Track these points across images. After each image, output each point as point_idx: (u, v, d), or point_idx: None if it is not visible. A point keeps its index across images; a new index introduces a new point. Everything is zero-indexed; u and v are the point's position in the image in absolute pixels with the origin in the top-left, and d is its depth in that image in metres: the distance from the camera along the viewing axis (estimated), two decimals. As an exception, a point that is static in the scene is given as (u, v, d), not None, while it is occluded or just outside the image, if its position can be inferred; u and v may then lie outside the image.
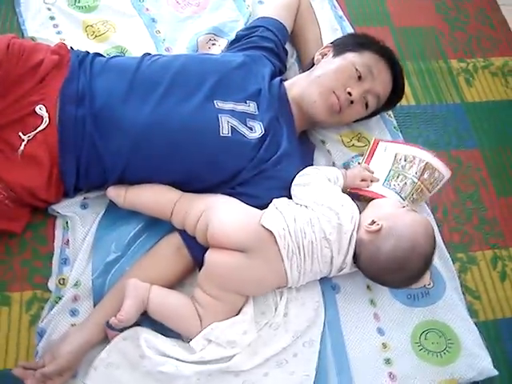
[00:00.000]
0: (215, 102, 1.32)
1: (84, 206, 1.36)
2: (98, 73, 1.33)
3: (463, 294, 1.38)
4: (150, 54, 1.42)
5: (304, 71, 1.53)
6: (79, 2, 1.68)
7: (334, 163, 1.49)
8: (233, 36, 1.64)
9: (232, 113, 1.32)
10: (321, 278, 1.30)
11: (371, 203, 1.32)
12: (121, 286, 1.23)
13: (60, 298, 1.25)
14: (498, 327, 1.37)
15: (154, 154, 1.27)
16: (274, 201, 1.28)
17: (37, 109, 1.25)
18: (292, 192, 1.31)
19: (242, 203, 1.28)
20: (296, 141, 1.41)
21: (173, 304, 1.21)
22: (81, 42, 1.58)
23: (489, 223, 1.51)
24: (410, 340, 1.30)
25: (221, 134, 1.29)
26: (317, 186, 1.28)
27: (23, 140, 1.24)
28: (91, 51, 1.44)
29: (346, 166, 1.46)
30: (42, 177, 1.26)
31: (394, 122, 1.59)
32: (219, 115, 1.30)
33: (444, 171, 1.39)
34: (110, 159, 1.27)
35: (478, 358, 1.28)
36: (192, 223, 1.26)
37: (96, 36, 1.63)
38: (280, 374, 1.22)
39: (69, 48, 1.38)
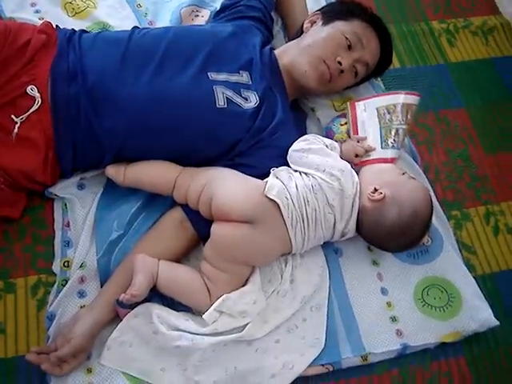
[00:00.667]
0: (209, 73, 1.31)
1: (81, 187, 1.34)
2: (87, 48, 1.30)
3: (460, 250, 1.42)
4: (138, 27, 1.40)
5: (291, 39, 1.53)
6: (55, -21, 1.63)
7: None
8: (216, 6, 1.62)
9: (226, 83, 1.31)
10: (323, 243, 1.32)
11: (368, 168, 1.34)
12: (127, 263, 1.23)
13: (66, 281, 1.24)
14: (494, 280, 1.41)
15: (151, 129, 1.26)
16: (275, 170, 1.29)
17: (28, 89, 1.22)
18: (289, 158, 1.31)
19: (243, 174, 1.28)
20: (289, 109, 1.41)
21: (182, 278, 1.22)
22: (61, 20, 1.52)
23: (480, 180, 1.54)
24: (413, 297, 1.33)
25: (217, 106, 1.28)
26: (316, 152, 1.28)
27: (16, 122, 1.21)
28: (73, 28, 1.40)
29: (329, 132, 1.46)
30: (38, 159, 1.24)
31: (382, 85, 1.60)
32: (214, 86, 1.30)
33: (417, 100, 1.42)
34: (106, 136, 1.25)
35: (479, 310, 1.32)
36: (194, 197, 1.26)
37: (76, 13, 1.58)
38: (291, 339, 1.24)
39: (54, 27, 1.35)
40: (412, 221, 1.23)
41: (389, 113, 1.39)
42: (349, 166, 1.29)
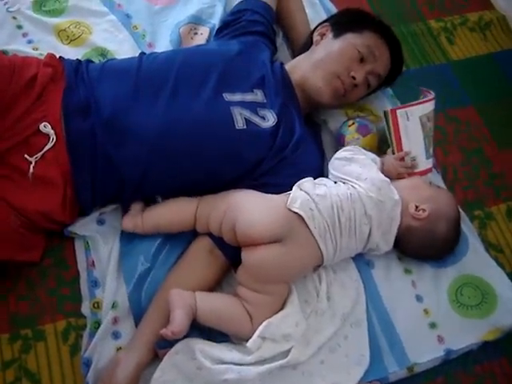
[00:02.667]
0: (224, 94, 1.28)
1: (101, 222, 1.30)
2: (97, 79, 1.26)
3: (487, 249, 1.41)
4: (145, 53, 1.36)
5: (297, 52, 1.50)
6: (45, 6, 1.58)
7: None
8: (214, 23, 1.59)
9: (242, 104, 1.28)
10: (354, 256, 1.30)
11: (398, 186, 1.29)
12: (160, 299, 1.19)
13: (98, 323, 1.19)
14: (525, 275, 1.41)
15: (172, 156, 1.22)
16: (298, 182, 1.26)
17: (41, 127, 1.17)
18: (331, 165, 1.30)
19: (261, 193, 1.25)
20: (305, 124, 1.39)
21: (222, 306, 1.18)
22: (56, 49, 1.49)
23: (497, 177, 1.54)
24: (447, 299, 1.31)
25: (236, 128, 1.25)
26: (359, 162, 1.26)
27: (31, 162, 1.16)
28: (69, 57, 1.35)
29: (340, 136, 1.42)
30: (56, 198, 1.19)
31: (390, 90, 1.58)
32: (231, 108, 1.26)
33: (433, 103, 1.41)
34: (127, 168, 1.20)
35: (515, 303, 1.32)
36: (216, 226, 1.22)
37: (71, 40, 1.53)
38: (335, 359, 1.21)
39: (58, 58, 1.30)
40: (459, 229, 1.27)
41: (429, 121, 1.37)
42: (389, 181, 1.27)
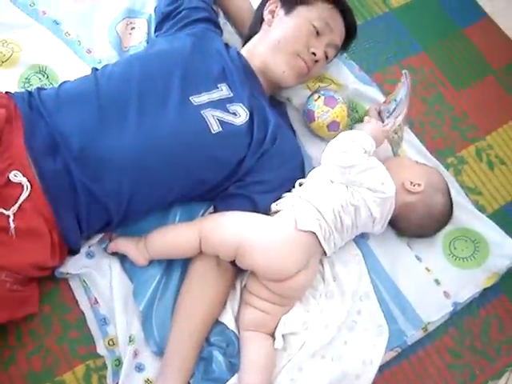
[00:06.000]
0: (191, 98, 1.21)
1: (90, 255, 1.23)
2: (55, 110, 1.15)
3: (466, 195, 1.46)
4: (97, 69, 1.25)
5: (247, 34, 1.44)
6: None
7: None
8: (150, 13, 1.50)
9: (210, 104, 1.22)
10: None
11: (388, 167, 1.29)
12: (179, 324, 1.17)
13: (119, 360, 1.16)
14: (506, 213, 1.47)
15: (154, 174, 1.16)
16: (297, 191, 1.25)
17: (11, 176, 1.06)
18: (330, 172, 1.24)
19: (262, 218, 1.21)
20: (273, 109, 1.35)
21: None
22: (-13, 75, 1.36)
23: (460, 120, 1.57)
24: (444, 256, 1.37)
25: (212, 132, 1.20)
26: (359, 169, 1.21)
27: (8, 216, 1.07)
28: (5, 81, 1.24)
29: (309, 113, 1.40)
30: (45, 247, 1.10)
31: (344, 54, 1.54)
32: (202, 112, 1.20)
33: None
34: (111, 199, 1.13)
35: (505, 246, 1.37)
36: (228, 258, 1.19)
37: (2, 62, 1.39)
38: (356, 336, 1.25)
39: (5, 93, 1.18)
40: (452, 202, 1.30)
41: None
42: (388, 175, 1.25)
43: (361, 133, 1.26)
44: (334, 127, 1.39)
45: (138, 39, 1.48)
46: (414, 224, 1.30)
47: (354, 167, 1.20)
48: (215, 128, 1.20)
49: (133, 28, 1.49)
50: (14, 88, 1.35)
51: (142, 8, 1.52)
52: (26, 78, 1.38)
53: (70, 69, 1.40)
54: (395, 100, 1.39)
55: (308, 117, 1.41)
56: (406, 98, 1.37)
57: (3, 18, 1.44)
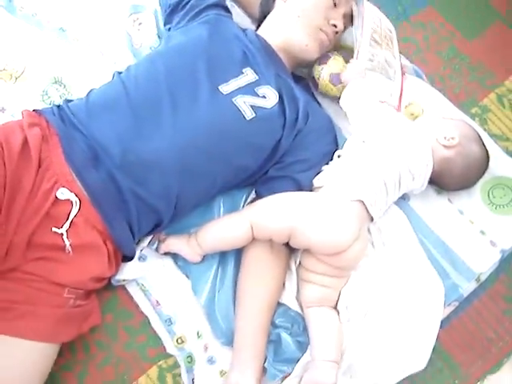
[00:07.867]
0: (219, 88, 1.20)
1: (143, 258, 1.23)
2: (88, 120, 1.14)
3: (495, 142, 1.45)
4: (120, 72, 1.24)
5: (261, 12, 1.42)
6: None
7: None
8: (153, 6, 1.47)
9: (240, 90, 1.21)
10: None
11: (422, 124, 1.33)
12: (244, 315, 1.18)
13: (191, 357, 1.17)
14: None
15: (197, 169, 1.16)
16: (336, 163, 1.26)
17: (58, 195, 1.06)
18: (369, 140, 1.26)
19: (309, 195, 1.22)
20: (298, 85, 1.34)
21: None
22: (4, 93, 1.33)
23: (477, 69, 1.57)
24: (484, 205, 1.37)
25: (247, 119, 1.19)
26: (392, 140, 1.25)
27: (62, 234, 1.07)
28: (27, 97, 1.23)
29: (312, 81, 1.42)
30: (102, 258, 1.11)
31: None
32: (233, 100, 1.19)
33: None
34: (160, 200, 1.13)
35: (544, 189, 1.39)
36: (282, 241, 1.19)
37: (17, 78, 1.36)
38: (417, 300, 1.25)
39: (34, 111, 1.16)
40: (486, 146, 1.31)
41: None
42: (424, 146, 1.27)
43: (361, 88, 1.29)
44: (335, 80, 1.37)
45: (149, 35, 1.45)
46: (456, 177, 1.30)
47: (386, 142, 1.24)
48: (249, 114, 1.19)
49: (140, 23, 1.47)
50: (37, 103, 1.33)
51: (145, 1, 1.49)
52: (44, 91, 1.35)
53: (85, 75, 1.38)
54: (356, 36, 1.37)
55: (314, 85, 1.43)
56: (359, 22, 1.36)
57: (8, 32, 1.41)
